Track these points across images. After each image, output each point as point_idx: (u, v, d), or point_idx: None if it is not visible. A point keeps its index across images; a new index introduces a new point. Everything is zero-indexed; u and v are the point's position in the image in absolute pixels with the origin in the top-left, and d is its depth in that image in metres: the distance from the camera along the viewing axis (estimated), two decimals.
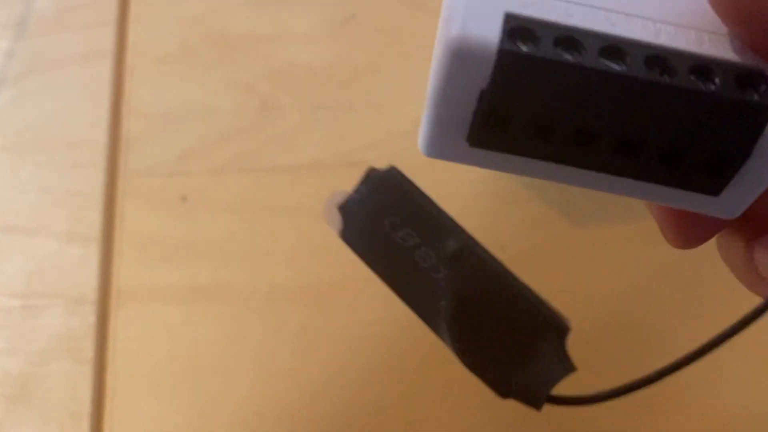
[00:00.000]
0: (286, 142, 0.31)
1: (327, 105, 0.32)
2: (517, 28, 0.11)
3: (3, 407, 0.27)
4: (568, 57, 0.11)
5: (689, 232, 0.15)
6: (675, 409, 0.27)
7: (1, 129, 0.32)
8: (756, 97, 0.11)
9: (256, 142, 0.31)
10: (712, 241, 0.16)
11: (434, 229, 0.12)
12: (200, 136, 0.32)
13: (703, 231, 0.13)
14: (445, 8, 0.12)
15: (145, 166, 0.31)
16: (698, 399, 0.27)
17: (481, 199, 0.30)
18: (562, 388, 0.13)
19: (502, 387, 0.11)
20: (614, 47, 0.11)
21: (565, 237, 0.29)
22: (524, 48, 0.11)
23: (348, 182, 0.14)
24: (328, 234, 0.14)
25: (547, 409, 0.27)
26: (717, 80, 0.11)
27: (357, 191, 0.13)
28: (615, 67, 0.11)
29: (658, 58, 0.11)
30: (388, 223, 0.12)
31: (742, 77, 0.11)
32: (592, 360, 0.28)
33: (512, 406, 0.27)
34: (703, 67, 0.11)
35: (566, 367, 0.11)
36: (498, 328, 0.11)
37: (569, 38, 0.11)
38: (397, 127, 0.31)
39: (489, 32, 0.11)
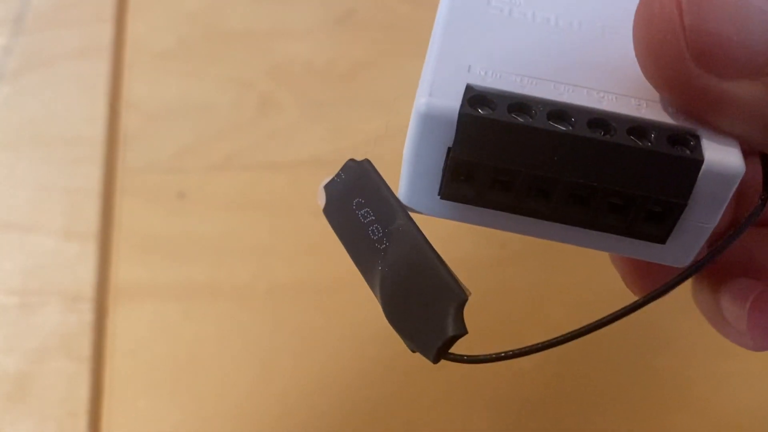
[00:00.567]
0: (285, 138, 0.31)
1: (326, 101, 0.32)
2: (476, 96, 0.13)
3: (0, 405, 0.26)
4: (520, 120, 0.13)
5: (647, 280, 0.18)
6: (675, 409, 0.26)
7: None
8: (687, 152, 0.13)
9: (254, 139, 0.31)
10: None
11: (386, 209, 0.14)
12: (198, 132, 0.31)
13: (662, 279, 0.15)
14: (420, 80, 0.14)
15: (142, 162, 0.31)
16: (698, 398, 0.27)
17: None
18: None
19: (411, 341, 0.14)
20: (561, 111, 0.13)
21: None
22: (482, 112, 0.13)
23: None
24: (326, 231, 0.15)
25: (548, 410, 0.27)
26: (652, 138, 0.13)
27: (337, 175, 0.15)
28: (561, 128, 0.13)
29: (600, 120, 0.13)
30: (355, 203, 0.15)
31: (674, 136, 0.13)
32: (592, 359, 0.28)
33: (512, 406, 0.27)
34: (639, 128, 0.13)
35: (458, 328, 0.13)
36: (414, 292, 0.14)
37: (521, 104, 0.13)
38: (396, 122, 0.31)
39: (452, 100, 0.13)
